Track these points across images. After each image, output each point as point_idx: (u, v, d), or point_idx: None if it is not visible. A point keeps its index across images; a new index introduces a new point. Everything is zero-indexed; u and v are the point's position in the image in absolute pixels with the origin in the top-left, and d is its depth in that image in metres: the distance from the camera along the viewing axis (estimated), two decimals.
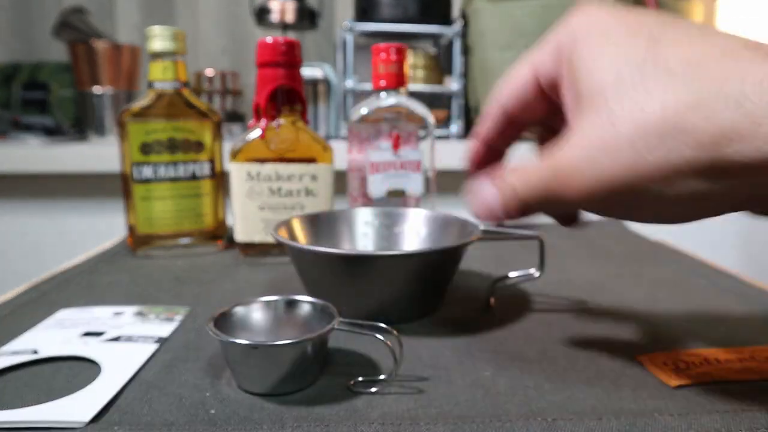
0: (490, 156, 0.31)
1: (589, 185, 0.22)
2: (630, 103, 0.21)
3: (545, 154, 0.24)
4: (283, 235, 0.39)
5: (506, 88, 0.28)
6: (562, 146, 0.24)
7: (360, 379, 0.29)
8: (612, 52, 0.22)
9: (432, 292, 0.38)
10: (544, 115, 0.28)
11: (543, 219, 0.28)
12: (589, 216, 0.28)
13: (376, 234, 0.46)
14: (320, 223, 0.44)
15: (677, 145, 0.20)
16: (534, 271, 0.41)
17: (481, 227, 0.39)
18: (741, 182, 0.20)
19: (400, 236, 0.45)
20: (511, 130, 0.30)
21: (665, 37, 0.22)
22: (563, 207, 0.24)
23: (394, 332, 0.28)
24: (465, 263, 0.52)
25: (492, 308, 0.40)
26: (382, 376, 0.29)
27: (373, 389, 0.28)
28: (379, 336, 0.28)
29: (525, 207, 0.26)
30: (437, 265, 0.36)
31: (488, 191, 0.27)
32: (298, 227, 0.43)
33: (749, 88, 0.19)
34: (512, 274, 0.42)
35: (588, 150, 0.22)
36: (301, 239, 0.42)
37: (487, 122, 0.30)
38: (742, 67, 0.19)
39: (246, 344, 0.27)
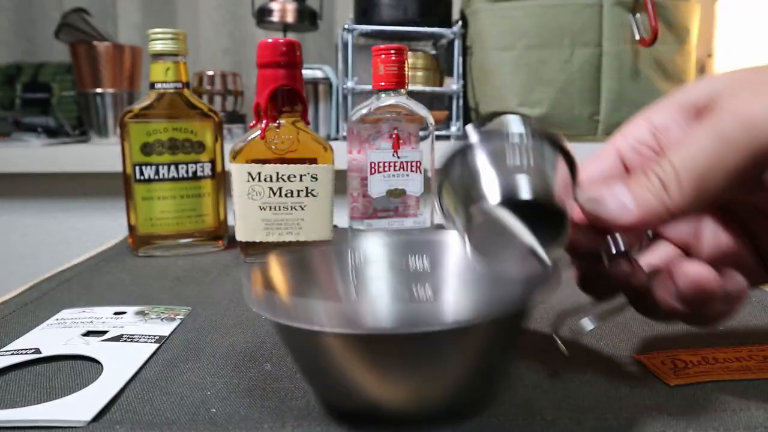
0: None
1: (745, 156, 0.22)
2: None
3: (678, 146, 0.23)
4: (258, 286, 0.26)
5: (620, 137, 0.27)
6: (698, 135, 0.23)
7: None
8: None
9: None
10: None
11: None
12: None
13: (393, 276, 0.31)
14: (310, 265, 0.30)
15: None
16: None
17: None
18: None
19: (431, 279, 0.30)
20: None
21: None
22: (728, 189, 0.23)
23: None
24: None
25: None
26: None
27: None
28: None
29: (701, 192, 0.22)
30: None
31: (638, 183, 0.23)
32: (277, 273, 0.28)
33: None
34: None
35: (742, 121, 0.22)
36: (284, 293, 0.28)
37: (600, 160, 0.27)
38: None
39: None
